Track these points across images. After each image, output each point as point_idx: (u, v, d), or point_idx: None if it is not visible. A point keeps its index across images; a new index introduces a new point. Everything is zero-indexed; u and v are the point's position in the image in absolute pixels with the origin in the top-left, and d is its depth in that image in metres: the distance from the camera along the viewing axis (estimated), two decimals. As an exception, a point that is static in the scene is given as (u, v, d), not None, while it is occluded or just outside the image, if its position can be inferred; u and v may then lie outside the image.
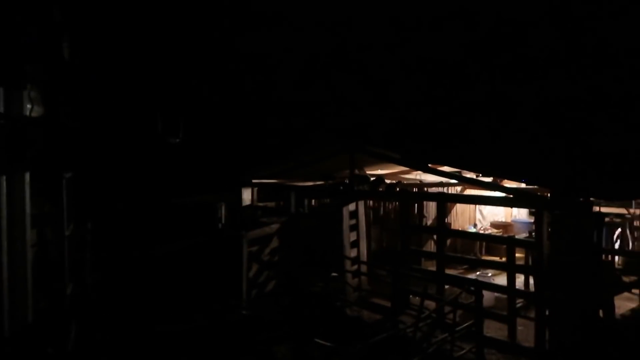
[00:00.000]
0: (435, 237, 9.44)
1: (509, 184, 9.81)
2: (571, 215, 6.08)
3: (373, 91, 5.27)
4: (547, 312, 6.52)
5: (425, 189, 11.99)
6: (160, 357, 6.26)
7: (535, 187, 9.06)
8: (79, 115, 5.56)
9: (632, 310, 8.47)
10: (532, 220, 10.49)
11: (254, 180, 9.91)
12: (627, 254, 10.54)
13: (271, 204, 10.55)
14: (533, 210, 9.42)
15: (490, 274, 9.79)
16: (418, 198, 11.89)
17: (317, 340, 5.85)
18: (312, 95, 5.82)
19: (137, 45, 5.23)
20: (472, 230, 13.58)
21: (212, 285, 7.99)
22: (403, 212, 9.00)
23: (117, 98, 5.99)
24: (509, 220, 14.37)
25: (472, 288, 6.86)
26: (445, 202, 9.80)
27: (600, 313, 6.49)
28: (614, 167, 5.65)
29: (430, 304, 7.60)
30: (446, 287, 8.28)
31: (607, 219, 10.59)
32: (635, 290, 8.66)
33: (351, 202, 9.91)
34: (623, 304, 8.49)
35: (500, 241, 10.25)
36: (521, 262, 9.92)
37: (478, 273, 9.95)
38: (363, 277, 9.95)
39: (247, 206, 9.84)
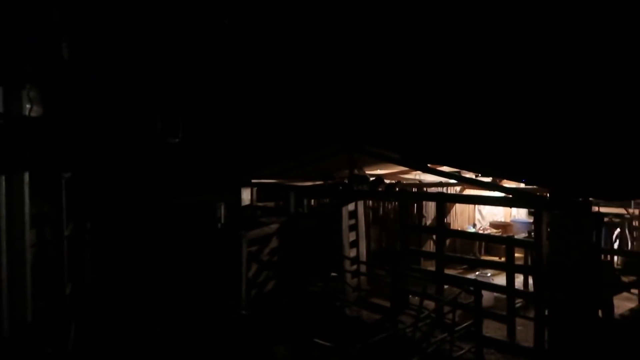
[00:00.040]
0: (434, 237, 9.44)
1: (508, 184, 9.82)
2: (570, 215, 6.09)
3: (372, 91, 5.28)
4: (546, 312, 6.52)
5: (425, 189, 11.99)
6: (160, 357, 6.26)
7: (535, 187, 9.07)
8: (79, 115, 5.55)
9: (631, 310, 8.47)
10: (531, 220, 10.48)
11: (253, 180, 9.91)
12: (626, 254, 10.55)
13: (270, 204, 10.55)
14: (532, 210, 9.43)
15: (489, 274, 9.80)
16: (417, 198, 11.89)
17: (316, 340, 5.85)
18: (312, 95, 5.83)
19: (136, 46, 5.22)
20: (472, 230, 13.58)
21: (212, 285, 7.99)
22: (402, 212, 9.00)
23: (117, 98, 5.99)
24: (508, 220, 14.37)
25: (472, 288, 6.86)
26: (445, 202, 9.79)
27: (600, 313, 6.49)
28: (613, 168, 5.66)
29: (430, 304, 7.60)
30: (445, 287, 8.28)
31: (606, 219, 10.60)
32: (634, 290, 8.67)
33: (350, 202, 9.91)
34: (622, 303, 8.49)
35: (500, 241, 10.25)
36: (520, 262, 9.92)
37: (477, 273, 9.96)
38: (362, 277, 9.95)
39: (246, 206, 9.84)
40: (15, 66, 4.16)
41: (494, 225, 14.18)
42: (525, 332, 7.29)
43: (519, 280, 9.04)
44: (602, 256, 8.92)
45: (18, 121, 4.31)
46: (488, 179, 9.35)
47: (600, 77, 3.81)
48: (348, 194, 9.53)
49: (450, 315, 6.66)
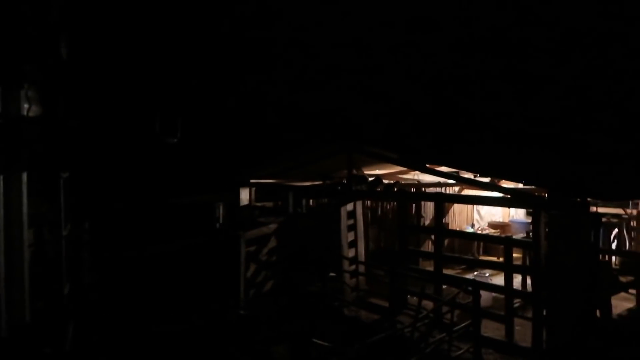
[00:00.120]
0: (433, 237, 9.45)
1: (506, 184, 9.83)
2: (568, 215, 6.10)
3: (372, 90, 5.28)
4: (544, 312, 6.53)
5: (423, 189, 12.01)
6: (158, 357, 6.25)
7: (533, 187, 9.08)
8: (77, 115, 5.55)
9: (629, 310, 8.49)
10: (530, 221, 10.51)
11: (251, 180, 9.91)
12: (624, 254, 10.57)
13: (269, 204, 10.55)
14: (530, 210, 9.45)
15: (487, 274, 9.80)
16: (416, 198, 11.91)
17: (315, 340, 5.85)
18: (311, 95, 5.82)
19: (135, 45, 5.22)
20: (470, 230, 13.60)
21: (210, 285, 7.99)
22: (401, 212, 9.01)
23: (115, 98, 5.98)
24: (506, 220, 14.40)
25: (470, 288, 6.87)
26: (443, 202, 9.81)
27: (598, 313, 6.50)
28: (611, 168, 5.66)
29: (428, 304, 7.61)
30: (444, 287, 8.29)
31: (604, 219, 10.62)
32: (632, 290, 8.69)
33: (349, 202, 9.91)
34: (620, 303, 8.52)
35: (498, 241, 10.26)
36: (519, 262, 9.94)
37: (476, 273, 9.96)
38: (361, 277, 9.96)
39: (245, 206, 9.84)
40: (14, 66, 4.15)
41: (492, 225, 14.20)
42: (523, 332, 7.31)
43: (517, 280, 9.06)
44: (600, 256, 8.94)
45: (16, 121, 4.31)
46: (486, 179, 9.37)
47: (599, 76, 3.82)
48: (346, 194, 9.53)
49: (448, 315, 6.66)
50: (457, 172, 9.46)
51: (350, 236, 9.91)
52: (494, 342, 7.15)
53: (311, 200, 11.52)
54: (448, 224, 13.32)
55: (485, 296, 7.83)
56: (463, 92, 4.77)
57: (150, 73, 5.69)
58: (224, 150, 7.99)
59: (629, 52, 3.44)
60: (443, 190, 12.30)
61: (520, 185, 9.63)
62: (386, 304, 8.44)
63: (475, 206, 14.23)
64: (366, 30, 3.88)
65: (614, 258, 10.82)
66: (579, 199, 6.09)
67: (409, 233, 9.35)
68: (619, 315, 8.12)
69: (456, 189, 12.97)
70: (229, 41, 4.81)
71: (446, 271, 8.69)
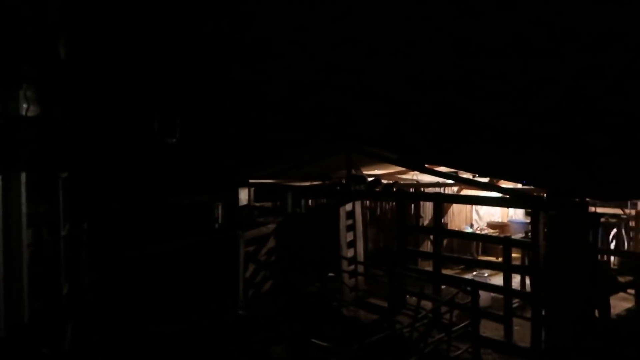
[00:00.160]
0: (431, 237, 9.45)
1: (505, 184, 9.84)
2: (567, 215, 6.10)
3: (371, 91, 5.28)
4: (543, 312, 6.53)
5: (422, 189, 12.01)
6: (157, 357, 6.25)
7: (532, 187, 9.09)
8: (76, 115, 5.54)
9: (628, 310, 8.50)
10: (529, 221, 10.52)
11: (250, 180, 9.91)
12: (622, 254, 10.58)
13: (268, 204, 10.55)
14: (529, 210, 9.45)
15: (486, 274, 9.81)
16: (415, 198, 11.90)
17: (314, 340, 5.85)
18: (310, 95, 5.83)
19: (134, 45, 5.22)
20: (469, 230, 13.60)
21: (209, 285, 7.98)
22: (400, 212, 9.01)
23: (114, 98, 5.98)
24: (505, 220, 14.41)
25: (469, 288, 6.87)
26: (442, 202, 9.81)
27: (596, 313, 6.51)
28: (609, 168, 5.67)
29: (427, 304, 7.61)
30: (443, 287, 8.29)
31: (602, 219, 10.63)
32: (631, 290, 8.70)
33: (348, 202, 9.91)
34: (619, 303, 8.52)
35: (497, 241, 10.27)
36: (517, 262, 9.94)
37: (474, 273, 9.97)
38: (360, 277, 9.95)
39: (244, 206, 9.83)
40: (13, 66, 4.15)
41: (491, 225, 14.21)
42: (522, 332, 7.31)
43: (516, 280, 9.06)
44: (599, 256, 8.95)
45: (15, 121, 4.31)
46: (485, 180, 9.37)
47: (598, 77, 3.83)
48: (345, 194, 9.53)
49: (447, 316, 6.67)
50: (456, 172, 9.47)
51: (349, 236, 9.91)
52: (492, 342, 7.15)
53: (310, 201, 11.52)
54: (447, 224, 13.32)
55: (484, 296, 7.83)
56: (462, 93, 4.78)
57: (149, 73, 5.69)
58: (223, 150, 7.99)
59: (627, 53, 3.45)
60: (442, 190, 12.31)
61: (519, 186, 9.64)
62: (385, 304, 8.44)
63: (474, 206, 14.24)
64: (365, 31, 3.88)
65: (612, 258, 10.84)
66: (577, 199, 6.09)
67: (408, 233, 9.35)
68: (618, 315, 8.13)
69: (455, 189, 12.97)
70: (228, 41, 4.81)
71: (445, 271, 8.68)
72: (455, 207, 13.86)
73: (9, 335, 4.18)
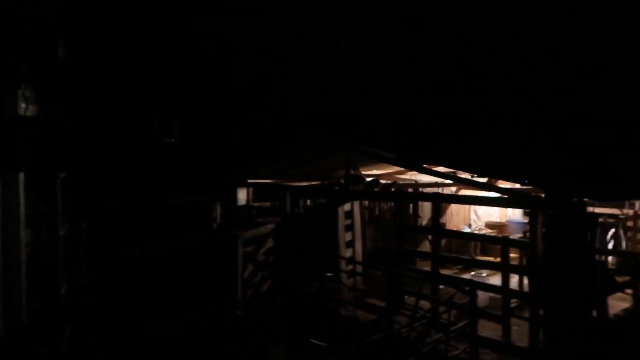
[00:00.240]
0: (430, 237, 9.47)
1: (503, 184, 9.85)
2: (565, 215, 6.12)
3: (369, 89, 5.28)
4: (541, 312, 6.55)
5: (420, 189, 12.02)
6: (155, 357, 6.25)
7: (530, 187, 9.11)
8: (75, 115, 5.54)
9: (626, 310, 8.52)
10: (527, 221, 10.54)
11: (249, 180, 9.91)
12: (620, 254, 10.61)
13: (266, 204, 10.56)
14: (527, 210, 9.47)
15: (484, 274, 9.83)
16: (413, 198, 11.92)
17: (312, 340, 5.86)
18: (309, 96, 5.83)
19: (132, 44, 5.21)
20: (467, 230, 13.62)
21: (207, 285, 7.98)
22: (398, 212, 9.02)
23: (113, 97, 5.98)
24: (503, 220, 14.43)
25: (467, 288, 6.88)
26: (440, 202, 9.82)
27: (594, 313, 6.53)
28: (607, 168, 5.68)
29: (425, 304, 7.62)
30: (441, 287, 8.30)
31: (600, 220, 10.66)
32: (629, 290, 8.72)
33: (346, 202, 9.92)
34: (616, 303, 8.55)
35: (495, 241, 10.28)
36: (515, 262, 9.97)
37: (473, 273, 9.99)
38: (358, 277, 9.96)
39: (242, 206, 9.84)
40: (11, 66, 4.15)
41: (489, 225, 14.24)
42: (520, 332, 7.33)
43: (514, 280, 9.08)
44: (597, 256, 8.97)
45: (13, 121, 4.31)
46: (484, 180, 9.38)
47: (598, 76, 3.83)
48: (344, 194, 9.54)
49: (445, 315, 6.68)
50: (455, 173, 9.48)
51: (348, 236, 9.92)
52: (491, 342, 7.17)
53: (308, 200, 11.53)
54: (445, 224, 13.34)
55: (482, 296, 7.85)
56: (460, 93, 4.78)
57: (148, 73, 5.69)
58: (222, 150, 7.99)
59: (625, 53, 3.45)
60: (440, 190, 12.32)
61: (518, 186, 9.66)
62: (383, 304, 8.45)
63: (472, 206, 14.26)
64: (364, 31, 3.88)
65: (610, 258, 10.86)
66: (575, 199, 6.11)
67: (407, 233, 9.37)
68: (616, 315, 8.15)
69: (453, 189, 12.99)
70: (225, 41, 4.81)
71: (443, 271, 8.70)
72: (454, 207, 13.88)
73: (7, 335, 4.18)
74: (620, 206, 11.50)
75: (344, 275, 9.52)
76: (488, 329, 7.49)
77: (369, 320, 8.33)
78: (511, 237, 10.69)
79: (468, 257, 12.17)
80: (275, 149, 8.34)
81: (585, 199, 6.18)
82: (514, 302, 7.95)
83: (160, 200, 8.17)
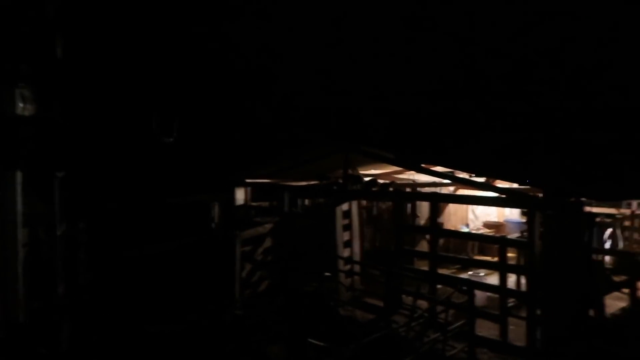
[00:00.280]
0: (428, 236, 9.48)
1: (501, 184, 9.87)
2: (563, 215, 6.13)
3: (368, 89, 5.29)
4: (538, 312, 6.57)
5: (418, 189, 12.04)
6: (154, 357, 6.24)
7: (528, 187, 9.12)
8: (73, 114, 5.53)
9: (623, 309, 8.55)
10: (524, 221, 10.56)
11: (247, 180, 9.90)
12: (617, 254, 10.64)
13: (265, 204, 10.55)
14: (525, 210, 9.49)
15: (482, 274, 9.85)
16: (411, 198, 11.92)
17: (310, 340, 5.86)
18: (307, 95, 5.83)
19: (131, 43, 5.21)
20: (465, 230, 13.64)
21: (206, 285, 7.98)
22: (396, 212, 9.03)
23: (111, 97, 5.97)
24: (501, 220, 14.45)
25: (465, 288, 6.90)
26: (438, 202, 9.86)
27: (591, 312, 6.55)
28: (604, 169, 5.70)
29: (423, 304, 7.63)
30: (439, 286, 8.32)
31: (598, 219, 10.68)
32: (626, 290, 8.74)
33: (345, 202, 9.92)
34: (613, 303, 8.57)
35: (493, 241, 10.31)
36: (513, 262, 9.99)
37: (470, 273, 10.01)
38: (356, 277, 9.97)
39: (240, 206, 9.83)
40: (9, 65, 4.15)
41: (487, 225, 14.26)
42: (517, 331, 7.34)
43: (511, 279, 9.10)
44: (594, 256, 8.99)
45: (11, 120, 4.30)
46: (482, 179, 9.40)
47: (595, 76, 3.85)
48: (342, 194, 9.54)
49: (443, 315, 6.69)
50: (453, 172, 9.49)
51: (346, 236, 9.93)
52: (488, 341, 7.18)
53: (307, 200, 11.52)
54: (443, 223, 13.35)
55: (480, 296, 7.87)
56: (458, 93, 4.79)
57: (147, 72, 5.68)
58: (220, 149, 7.98)
59: (624, 52, 3.46)
60: (438, 190, 12.33)
61: (515, 185, 9.67)
62: (381, 304, 8.46)
63: (470, 206, 14.28)
64: (362, 31, 3.88)
65: (607, 257, 10.90)
66: (573, 199, 6.12)
67: (405, 233, 9.37)
68: (613, 315, 8.17)
69: (451, 188, 13.00)
70: (224, 41, 4.81)
71: (441, 271, 8.72)
72: (452, 207, 13.90)
73: (5, 336, 4.18)
74: (617, 206, 11.53)
75: (342, 275, 9.52)
76: (485, 329, 7.50)
77: (367, 319, 8.34)
78: (509, 236, 10.71)
79: (466, 257, 12.20)
80: (274, 149, 8.34)
81: (582, 199, 6.20)
82: (511, 302, 7.96)
83: (158, 200, 8.16)
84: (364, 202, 12.34)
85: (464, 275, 9.50)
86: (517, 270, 9.42)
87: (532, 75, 4.14)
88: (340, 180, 9.50)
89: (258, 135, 7.55)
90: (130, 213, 7.74)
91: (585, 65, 3.78)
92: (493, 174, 8.77)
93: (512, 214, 14.26)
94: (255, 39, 4.56)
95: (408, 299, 8.19)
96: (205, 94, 6.29)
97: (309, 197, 11.56)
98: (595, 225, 9.96)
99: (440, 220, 12.99)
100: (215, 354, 6.47)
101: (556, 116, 4.76)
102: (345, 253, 9.84)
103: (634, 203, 11.82)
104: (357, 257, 10.15)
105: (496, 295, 7.86)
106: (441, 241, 12.61)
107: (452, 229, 13.33)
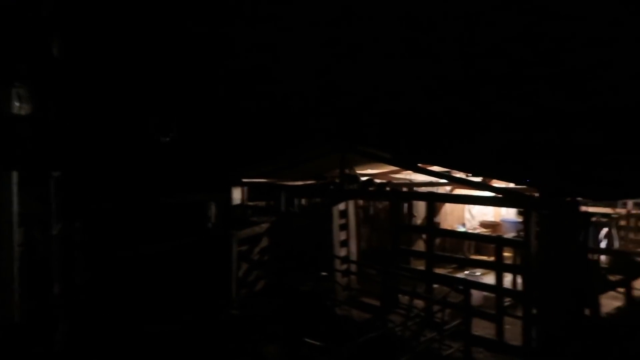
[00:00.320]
0: (424, 236, 9.49)
1: (498, 183, 9.89)
2: (559, 215, 6.15)
3: (366, 89, 5.29)
4: (534, 311, 6.59)
5: (415, 188, 12.05)
6: (150, 357, 6.23)
7: (524, 187, 9.14)
8: (69, 114, 5.51)
9: (618, 308, 8.58)
10: (521, 220, 10.59)
11: (244, 180, 9.89)
12: (613, 253, 10.68)
13: (261, 203, 10.54)
14: (521, 210, 9.51)
15: (478, 273, 9.87)
16: (408, 198, 11.93)
17: (307, 339, 5.86)
18: (304, 96, 5.83)
19: (128, 43, 5.20)
20: (461, 229, 13.67)
21: (202, 284, 7.97)
22: (393, 211, 9.04)
23: (108, 96, 5.95)
24: (497, 219, 14.48)
25: (461, 287, 6.91)
26: (435, 201, 9.84)
27: (587, 311, 6.57)
28: (600, 169, 5.72)
29: (419, 303, 7.64)
30: (435, 286, 8.32)
31: (593, 219, 10.72)
32: (621, 289, 8.78)
33: (341, 201, 9.93)
34: (609, 302, 8.60)
35: (489, 240, 10.32)
36: (509, 262, 10.01)
37: (467, 272, 10.03)
38: (353, 276, 9.98)
39: (237, 205, 9.81)
40: (6, 64, 4.13)
41: (483, 224, 14.28)
42: (513, 330, 7.35)
43: (507, 279, 9.12)
44: (590, 255, 9.02)
45: (7, 119, 4.28)
46: (478, 179, 9.41)
47: (592, 77, 3.86)
48: (339, 194, 9.55)
49: (439, 314, 6.70)
50: (449, 172, 9.50)
51: (342, 235, 9.93)
52: (484, 340, 7.19)
53: (304, 200, 11.52)
54: (439, 223, 13.37)
55: (476, 295, 7.87)
56: (455, 93, 4.80)
57: (143, 71, 5.67)
58: (217, 149, 7.98)
59: (619, 54, 3.48)
60: (435, 190, 12.34)
61: (512, 185, 9.69)
62: (378, 303, 8.47)
63: (466, 205, 14.30)
64: (360, 31, 3.89)
65: (603, 257, 10.94)
66: (569, 199, 6.15)
67: (401, 232, 9.38)
68: (608, 314, 8.20)
69: (448, 188, 13.02)
70: (222, 39, 4.80)
71: (437, 270, 8.72)
72: (448, 207, 13.92)
73: (1, 335, 4.16)
74: (613, 205, 11.58)
75: (338, 275, 9.52)
76: (482, 328, 7.51)
77: (364, 319, 8.34)
78: (505, 236, 10.74)
79: (462, 257, 12.22)
80: (271, 148, 8.34)
81: (578, 199, 6.23)
82: (507, 301, 7.98)
83: (155, 200, 8.14)
84: (360, 202, 12.34)
85: (460, 275, 9.53)
86: (513, 269, 9.44)
87: (528, 76, 4.15)
88: (337, 180, 9.50)
89: (255, 135, 7.55)
90: (126, 213, 7.72)
91: (580, 66, 3.80)
92: (490, 174, 8.79)
93: (509, 214, 14.29)
94: (252, 39, 4.56)
95: (404, 299, 8.20)
96: (202, 93, 6.29)
97: (305, 197, 11.55)
98: (591, 224, 10.01)
99: (436, 219, 13.00)
100: (211, 354, 6.46)
101: (552, 117, 4.78)
102: (342, 252, 9.84)
103: (630, 203, 11.88)
104: (353, 256, 10.16)
105: (492, 295, 7.87)
106: (437, 241, 12.62)
107: (449, 228, 13.35)
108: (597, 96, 4.18)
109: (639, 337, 6.89)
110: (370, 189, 9.67)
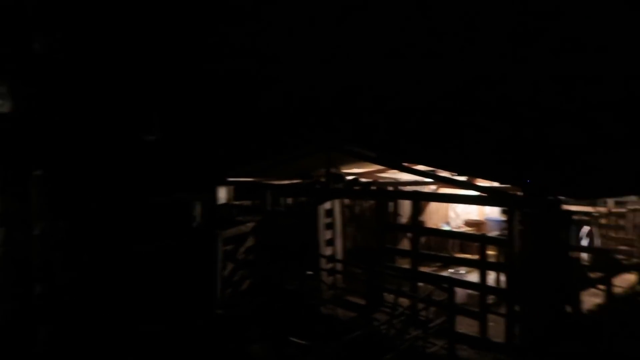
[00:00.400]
0: (409, 235, 9.54)
1: (482, 182, 9.97)
2: (541, 213, 6.23)
3: (350, 89, 5.30)
4: (517, 308, 6.66)
5: (400, 187, 12.09)
6: (134, 357, 6.18)
7: (508, 186, 9.24)
8: (52, 111, 5.44)
9: (598, 305, 8.72)
10: (505, 219, 10.68)
11: (229, 179, 9.85)
12: (594, 251, 10.85)
13: (247, 203, 10.50)
14: (505, 208, 9.60)
15: (463, 271, 9.94)
16: (393, 196, 11.97)
17: (292, 338, 5.86)
18: (290, 95, 5.83)
19: (113, 41, 5.14)
20: (446, 228, 13.76)
21: (187, 284, 7.92)
22: (378, 210, 9.07)
23: (93, 94, 5.88)
24: (482, 218, 14.60)
25: (445, 285, 6.96)
26: (420, 200, 9.89)
27: (568, 308, 6.66)
28: (582, 167, 5.81)
29: (404, 301, 7.68)
30: (420, 284, 8.37)
31: (575, 217, 10.87)
32: (601, 286, 8.92)
33: (327, 200, 9.94)
34: (590, 299, 8.73)
35: (473, 239, 10.41)
36: (493, 260, 10.11)
37: (451, 270, 10.10)
38: (338, 275, 9.99)
39: (222, 204, 9.77)
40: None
41: (468, 223, 14.39)
42: (496, 327, 7.43)
43: (491, 277, 9.21)
44: (571, 253, 9.15)
45: (-14, 117, 4.21)
46: (463, 178, 9.49)
47: (577, 77, 3.92)
48: (325, 193, 9.56)
49: (424, 312, 6.75)
50: (434, 171, 9.56)
51: (328, 234, 9.94)
52: (468, 338, 7.26)
53: (289, 199, 11.50)
54: (424, 222, 13.43)
55: (460, 293, 7.94)
56: (440, 93, 4.83)
57: (128, 70, 5.62)
58: (203, 148, 7.93)
59: (604, 57, 3.53)
60: (420, 189, 12.40)
61: (496, 184, 9.79)
62: (363, 302, 8.49)
63: (451, 204, 14.40)
64: (353, 32, 3.90)
65: (584, 255, 11.10)
66: (551, 198, 6.23)
67: (387, 231, 9.42)
68: (589, 311, 8.32)
69: (433, 187, 13.09)
70: (208, 38, 4.78)
71: (422, 269, 8.77)
72: (433, 205, 14.00)
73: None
74: (594, 204, 11.76)
75: (324, 274, 9.53)
76: (465, 325, 7.58)
77: (349, 317, 8.36)
78: (489, 234, 10.84)
79: (447, 255, 12.30)
80: (256, 147, 8.31)
81: (560, 197, 6.31)
82: (491, 299, 8.06)
83: (140, 199, 8.07)
84: (346, 201, 12.36)
85: (444, 273, 9.59)
86: (496, 267, 9.53)
87: (512, 77, 4.20)
88: (323, 179, 9.51)
89: (240, 135, 7.52)
90: (112, 212, 7.64)
91: (563, 66, 3.85)
92: (474, 173, 8.86)
93: (493, 212, 14.41)
94: (240, 39, 4.54)
95: (389, 297, 8.24)
96: (187, 93, 6.24)
97: (291, 196, 11.53)
98: (573, 223, 10.15)
99: (421, 218, 13.06)
100: (196, 354, 6.43)
101: (535, 116, 4.83)
102: (328, 251, 9.85)
103: (610, 201, 12.07)
104: (339, 255, 10.18)
105: (476, 293, 7.94)
106: (422, 239, 12.69)
107: (434, 227, 13.43)
108: (580, 96, 4.24)
109: (619, 333, 7.01)
110: (356, 188, 9.69)
